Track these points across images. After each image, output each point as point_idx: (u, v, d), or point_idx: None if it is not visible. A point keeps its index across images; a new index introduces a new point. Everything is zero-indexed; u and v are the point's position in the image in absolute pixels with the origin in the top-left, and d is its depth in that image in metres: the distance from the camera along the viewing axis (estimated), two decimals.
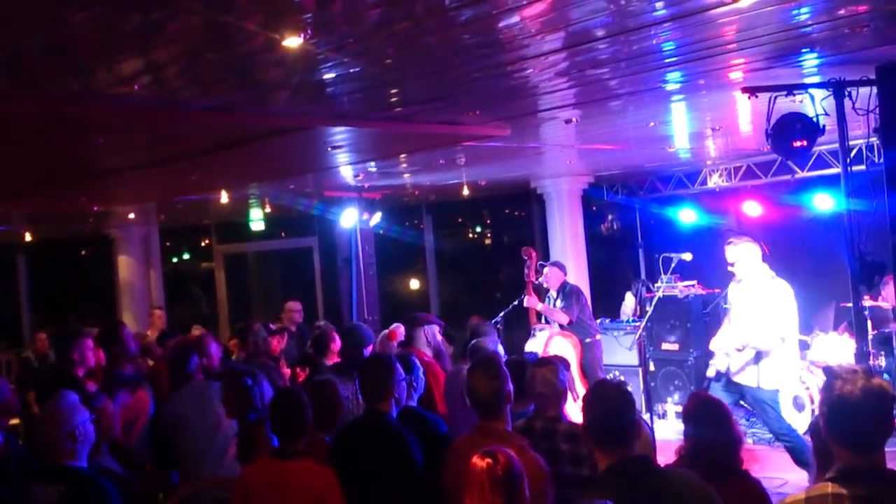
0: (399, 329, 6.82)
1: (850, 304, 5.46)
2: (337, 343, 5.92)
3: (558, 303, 8.18)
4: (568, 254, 10.59)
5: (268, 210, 11.97)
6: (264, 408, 4.31)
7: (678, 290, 9.19)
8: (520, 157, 8.69)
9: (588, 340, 7.94)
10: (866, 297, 6.97)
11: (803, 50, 4.79)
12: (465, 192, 10.76)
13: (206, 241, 14.80)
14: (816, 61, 5.07)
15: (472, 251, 15.40)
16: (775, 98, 5.20)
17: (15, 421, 6.16)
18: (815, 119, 5.21)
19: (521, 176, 10.83)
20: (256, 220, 12.29)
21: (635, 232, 12.25)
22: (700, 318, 9.06)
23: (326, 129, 6.08)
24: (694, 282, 9.23)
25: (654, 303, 8.31)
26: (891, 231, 4.96)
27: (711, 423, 3.44)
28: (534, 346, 7.69)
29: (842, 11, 4.03)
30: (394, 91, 5.16)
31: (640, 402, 9.03)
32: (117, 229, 12.33)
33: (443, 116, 6.08)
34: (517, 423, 3.94)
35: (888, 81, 4.92)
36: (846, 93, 5.02)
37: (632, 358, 9.28)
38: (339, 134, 6.36)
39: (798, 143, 5.20)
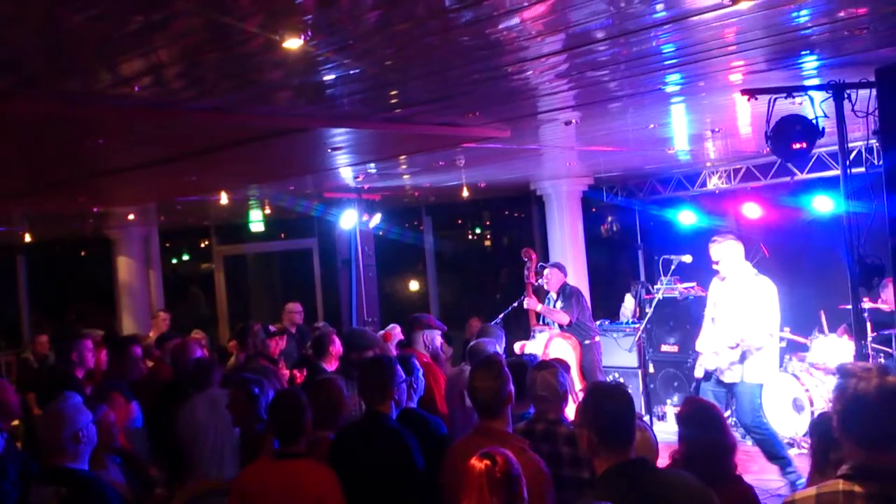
0: (395, 330, 6.83)
1: (850, 307, 5.46)
2: (336, 345, 5.91)
3: (558, 304, 8.18)
4: (567, 255, 10.60)
5: (267, 211, 11.97)
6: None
7: (678, 292, 9.19)
8: (519, 158, 8.69)
9: (587, 342, 7.94)
10: (866, 300, 6.97)
11: (803, 52, 4.79)
12: (465, 193, 10.75)
13: (206, 243, 14.80)
14: (816, 63, 5.07)
15: (471, 253, 15.41)
16: (775, 100, 5.21)
17: (15, 423, 6.15)
18: (814, 121, 5.22)
19: (521, 177, 10.83)
20: (256, 221, 12.29)
21: (635, 234, 12.25)
22: (699, 320, 9.02)
23: (326, 130, 6.09)
24: (693, 283, 9.23)
25: (653, 304, 8.33)
26: (890, 233, 4.96)
27: (705, 427, 3.44)
28: (533, 347, 7.69)
29: (841, 14, 4.03)
30: (394, 92, 5.17)
31: (640, 403, 9.05)
32: (117, 230, 12.32)
33: (443, 118, 6.08)
34: (518, 426, 3.95)
35: (887, 84, 4.91)
36: (845, 95, 5.03)
37: (631, 360, 9.29)
38: (339, 135, 6.37)
39: (797, 146, 5.21)
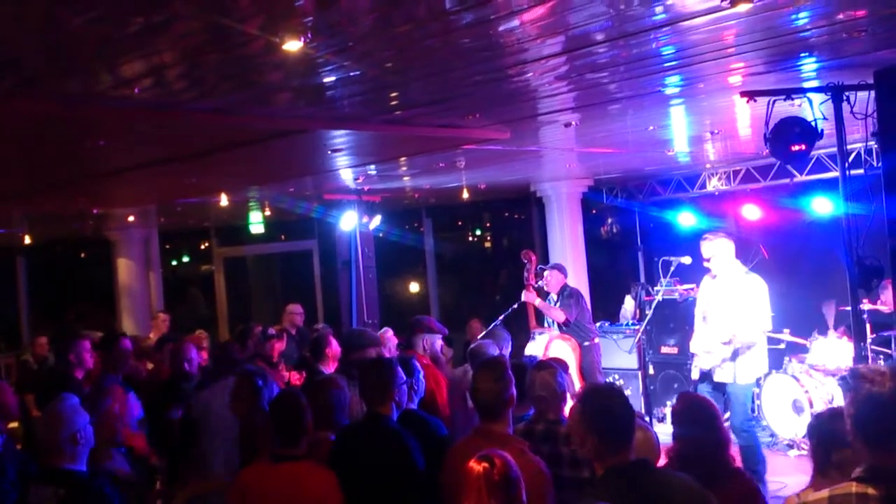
0: (387, 333, 6.81)
1: (849, 308, 5.47)
2: (333, 347, 5.89)
3: (558, 305, 8.18)
4: (567, 257, 10.60)
5: (267, 213, 11.98)
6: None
7: (677, 294, 9.19)
8: (519, 160, 8.70)
9: (587, 343, 7.94)
10: (865, 301, 6.98)
11: (802, 54, 4.80)
12: (465, 195, 10.75)
13: (206, 244, 14.80)
14: (815, 66, 5.08)
15: (471, 254, 15.41)
16: (774, 102, 5.22)
17: (14, 424, 6.15)
18: (813, 123, 5.23)
19: (521, 179, 10.84)
20: (256, 222, 12.29)
21: (635, 235, 12.26)
22: None
23: (326, 131, 6.09)
24: (693, 285, 9.21)
25: (653, 306, 8.33)
26: (889, 235, 4.97)
27: (697, 423, 3.45)
28: (533, 349, 7.69)
29: (840, 16, 4.04)
30: (394, 94, 5.18)
31: (640, 405, 9.05)
32: (117, 232, 12.32)
33: (443, 120, 6.09)
34: (518, 427, 3.95)
35: (886, 85, 4.93)
36: (844, 97, 5.04)
37: (631, 361, 9.29)
38: (340, 137, 6.37)
39: (796, 147, 5.21)
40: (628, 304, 10.43)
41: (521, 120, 6.28)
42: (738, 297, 6.34)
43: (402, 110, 5.65)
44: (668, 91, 5.64)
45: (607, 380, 8.90)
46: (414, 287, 14.90)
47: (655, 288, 9.18)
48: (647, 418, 8.78)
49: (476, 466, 2.93)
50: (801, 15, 3.98)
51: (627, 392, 9.01)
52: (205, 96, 4.79)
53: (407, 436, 3.94)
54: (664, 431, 8.81)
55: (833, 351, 7.89)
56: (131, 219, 11.25)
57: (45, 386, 6.81)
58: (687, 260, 8.01)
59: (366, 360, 5.44)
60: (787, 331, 8.46)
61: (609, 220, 12.15)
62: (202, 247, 15.12)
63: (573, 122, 6.55)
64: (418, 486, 3.83)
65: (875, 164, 7.05)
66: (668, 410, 9.22)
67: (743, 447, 6.23)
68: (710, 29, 4.08)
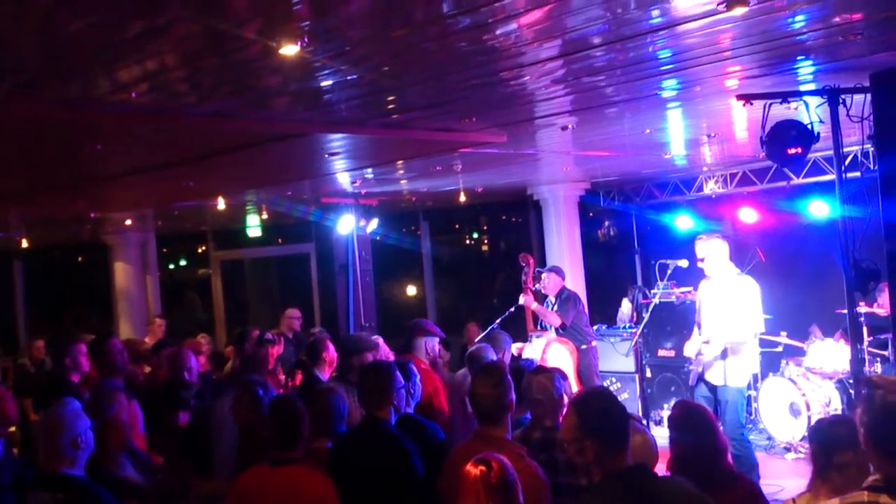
0: (378, 341, 6.80)
1: (846, 311, 5.47)
2: (330, 352, 5.88)
3: (555, 308, 8.18)
4: (564, 260, 10.61)
5: (265, 216, 11.97)
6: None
7: (674, 297, 9.21)
8: (516, 163, 8.71)
9: (584, 347, 7.95)
10: (862, 304, 6.99)
11: (798, 58, 4.81)
12: (462, 198, 10.76)
13: (203, 248, 14.79)
14: (811, 69, 5.09)
15: (468, 257, 15.42)
16: (770, 105, 5.23)
17: (12, 428, 6.14)
18: (809, 126, 5.24)
19: (518, 182, 10.85)
20: (253, 226, 12.29)
21: (632, 238, 12.27)
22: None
23: (323, 135, 6.10)
24: (690, 288, 9.23)
25: (650, 309, 8.34)
26: (885, 238, 4.98)
27: (694, 429, 3.45)
28: (531, 352, 7.69)
29: (836, 19, 4.05)
30: (391, 98, 5.18)
31: (637, 408, 9.05)
32: (114, 235, 12.31)
33: (440, 123, 6.09)
34: (514, 433, 3.95)
35: (882, 88, 4.94)
36: (840, 100, 5.05)
37: (628, 364, 9.30)
38: (337, 140, 6.37)
39: (793, 151, 5.22)
40: (625, 307, 10.44)
41: (518, 123, 6.28)
42: (729, 298, 6.39)
43: (399, 114, 5.66)
44: (665, 94, 5.65)
45: (604, 383, 8.91)
46: (411, 290, 14.90)
47: (652, 291, 9.19)
48: (643, 421, 8.78)
49: (473, 470, 2.93)
50: (798, 18, 3.99)
51: (625, 395, 9.02)
52: (202, 100, 4.79)
53: (406, 440, 3.94)
54: (662, 434, 8.81)
55: (830, 354, 7.90)
56: (128, 222, 11.25)
57: (42, 390, 6.80)
58: (684, 263, 8.03)
59: (364, 364, 5.45)
60: (784, 334, 8.48)
61: (606, 223, 12.18)
62: (199, 250, 15.11)
63: (570, 126, 6.56)
64: (417, 491, 3.83)
65: (871, 166, 7.07)
66: (665, 413, 9.22)
67: (734, 456, 6.24)
68: (707, 32, 4.09)
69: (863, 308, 7.14)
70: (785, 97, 5.18)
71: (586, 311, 8.60)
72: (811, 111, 5.25)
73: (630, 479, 2.76)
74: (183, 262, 16.16)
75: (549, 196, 11.24)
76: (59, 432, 3.51)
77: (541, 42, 4.07)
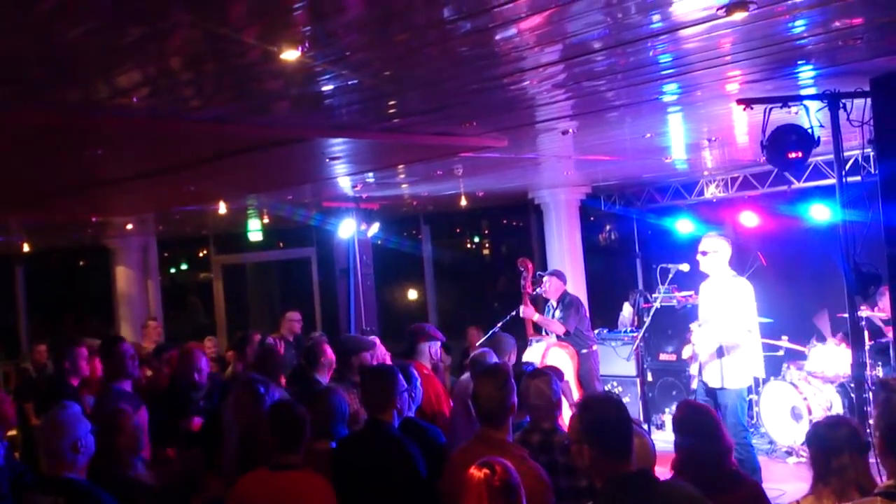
0: (375, 340, 6.80)
1: (847, 315, 5.47)
2: (328, 355, 5.87)
3: (557, 313, 8.17)
4: (566, 264, 10.61)
5: (266, 220, 11.98)
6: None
7: (675, 301, 9.21)
8: (517, 167, 8.71)
9: (585, 351, 7.95)
10: (863, 308, 6.99)
11: (798, 62, 4.82)
12: (463, 202, 10.78)
13: (204, 252, 14.81)
14: (812, 73, 5.10)
15: (469, 261, 15.42)
16: (770, 110, 5.23)
17: (12, 432, 6.14)
18: (810, 130, 5.24)
19: (519, 186, 10.85)
20: (254, 230, 12.30)
21: (633, 242, 12.27)
22: None
23: (325, 140, 6.10)
24: (691, 292, 9.24)
25: (651, 313, 8.33)
26: (886, 242, 4.98)
27: (698, 431, 3.44)
28: (531, 356, 7.69)
29: (836, 24, 4.06)
30: (392, 102, 5.19)
31: (638, 412, 9.04)
32: (115, 240, 12.33)
33: (441, 128, 6.10)
34: (514, 436, 3.95)
35: (883, 93, 4.94)
36: (841, 104, 5.05)
37: (629, 368, 9.29)
38: (338, 145, 6.38)
39: (793, 155, 5.22)
40: (626, 311, 10.44)
41: (519, 128, 6.29)
42: (723, 299, 6.41)
43: (400, 118, 5.66)
44: (666, 99, 5.66)
45: (605, 387, 8.91)
46: (412, 294, 14.91)
47: (654, 295, 9.18)
48: (644, 425, 8.78)
49: (477, 473, 2.93)
50: (798, 23, 4.00)
51: (626, 399, 9.01)
52: (203, 105, 4.80)
53: (409, 443, 3.93)
54: (663, 438, 8.81)
55: (831, 358, 7.90)
56: (130, 227, 11.25)
57: (44, 394, 6.81)
58: (685, 267, 8.03)
59: (364, 365, 5.46)
60: (785, 338, 8.47)
61: (607, 228, 12.18)
62: (200, 254, 15.14)
63: (571, 130, 6.57)
64: (419, 493, 3.82)
65: (872, 171, 7.07)
66: (666, 417, 9.22)
67: (737, 460, 6.24)
68: (707, 37, 4.10)
69: (864, 312, 7.14)
70: (785, 101, 5.19)
71: (588, 315, 8.60)
72: (812, 115, 5.26)
73: (633, 484, 2.75)
74: (184, 266, 16.19)
75: (550, 200, 11.25)
76: (59, 436, 3.51)
77: (541, 47, 4.08)
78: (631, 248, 12.30)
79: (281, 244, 14.57)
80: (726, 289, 6.46)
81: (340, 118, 5.51)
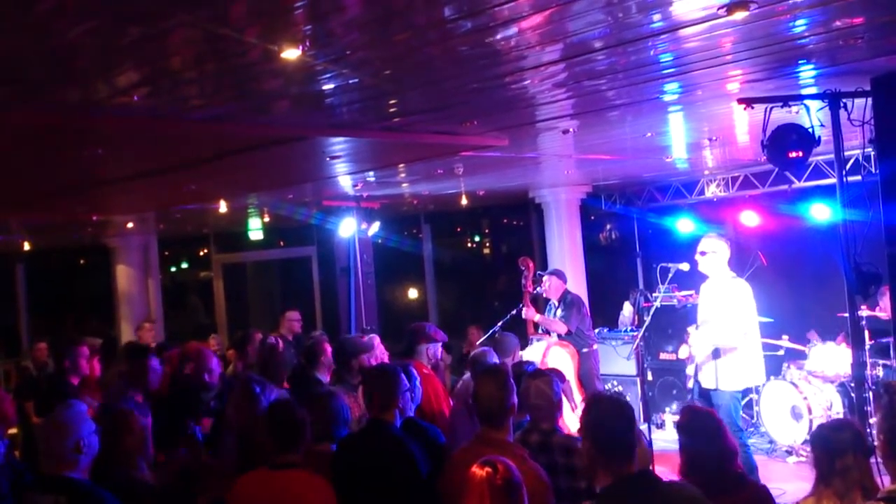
0: (374, 340, 6.81)
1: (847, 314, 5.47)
2: (328, 355, 5.88)
3: (558, 312, 8.17)
4: (566, 263, 10.61)
5: (266, 219, 11.99)
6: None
7: (676, 300, 9.21)
8: (518, 167, 8.71)
9: (585, 350, 7.95)
10: (864, 307, 6.99)
11: (799, 61, 4.82)
12: (464, 201, 10.77)
13: (205, 251, 14.82)
14: (812, 72, 5.10)
15: (470, 260, 15.42)
16: (771, 109, 5.23)
17: (13, 431, 6.14)
18: (810, 130, 5.24)
19: (520, 186, 10.85)
20: (255, 229, 12.31)
21: (633, 241, 12.27)
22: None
23: (325, 139, 6.10)
24: (692, 292, 9.23)
25: (651, 312, 8.32)
26: (886, 241, 4.97)
27: (702, 434, 3.44)
28: (531, 355, 7.69)
29: (837, 23, 4.05)
30: (392, 101, 5.19)
31: (638, 411, 9.04)
32: (116, 239, 12.33)
33: (441, 127, 6.10)
34: (514, 436, 3.94)
35: (883, 92, 4.93)
36: (842, 104, 5.05)
37: (630, 367, 9.29)
38: (338, 144, 6.38)
39: (794, 154, 5.22)
40: (627, 310, 10.44)
41: (520, 127, 6.29)
42: (721, 301, 6.41)
43: (401, 117, 5.66)
44: (667, 98, 5.66)
45: (606, 386, 8.91)
46: (412, 293, 14.91)
47: (654, 294, 9.18)
48: (644, 425, 8.78)
49: (479, 472, 2.93)
50: (799, 22, 4.00)
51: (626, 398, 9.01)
52: (203, 105, 4.80)
53: (410, 443, 3.93)
54: (663, 438, 8.82)
55: (831, 358, 7.90)
56: (130, 226, 11.26)
57: (44, 393, 6.81)
58: (685, 266, 8.02)
59: (364, 367, 5.46)
60: (785, 337, 8.48)
61: (608, 227, 12.17)
62: (201, 253, 15.14)
63: (571, 129, 6.57)
64: (420, 494, 3.82)
65: (873, 170, 7.06)
66: (666, 417, 9.23)
67: None
68: (708, 36, 4.09)
69: (864, 312, 7.14)
70: (786, 101, 5.19)
71: (588, 314, 8.60)
72: (812, 115, 5.25)
73: (635, 485, 2.74)
74: (185, 265, 16.19)
75: (550, 199, 11.25)
76: (62, 435, 3.50)
77: (542, 46, 4.08)
78: (631, 247, 12.30)
79: (281, 243, 14.57)
80: (724, 290, 6.47)
81: (341, 117, 5.51)
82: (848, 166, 5.84)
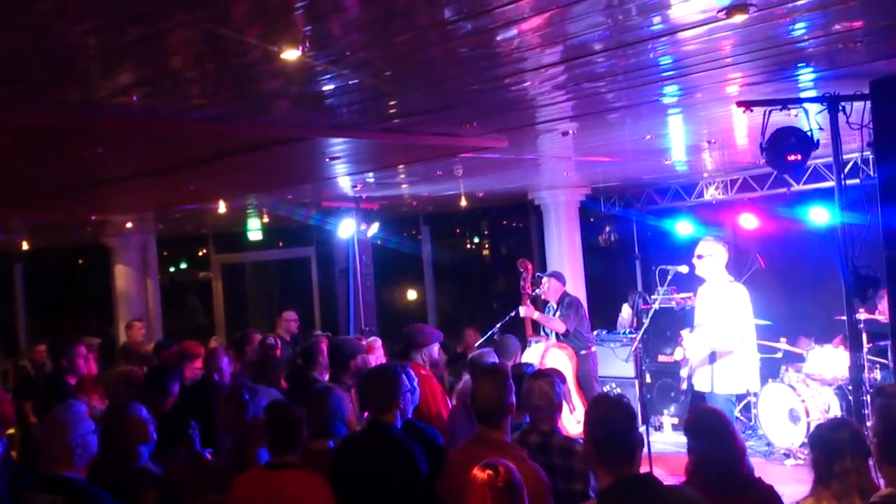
0: (377, 343, 6.80)
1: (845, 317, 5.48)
2: (325, 355, 5.87)
3: (557, 314, 8.17)
4: (565, 265, 10.62)
5: (265, 220, 11.99)
6: (254, 425, 4.28)
7: (674, 303, 9.22)
8: (517, 168, 8.72)
9: (584, 352, 7.95)
10: (862, 311, 7.00)
11: (798, 65, 4.83)
12: (463, 203, 10.78)
13: (204, 251, 14.81)
14: (811, 76, 5.11)
15: (469, 262, 15.43)
16: (770, 112, 5.24)
17: (11, 431, 6.13)
18: (809, 133, 5.25)
19: (519, 187, 10.86)
20: (254, 229, 12.31)
21: (632, 244, 12.27)
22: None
23: (325, 139, 6.11)
24: (690, 294, 9.21)
25: (650, 315, 8.33)
26: (884, 244, 4.99)
27: (711, 434, 3.42)
28: (530, 356, 7.69)
29: (837, 27, 4.07)
30: (392, 102, 5.19)
31: (637, 413, 9.05)
32: (114, 238, 12.33)
33: (441, 128, 6.11)
34: (512, 437, 3.94)
35: (882, 96, 4.95)
36: (840, 107, 5.06)
37: (628, 370, 9.29)
38: (338, 145, 6.39)
39: (792, 157, 5.23)
40: (625, 312, 10.44)
41: (520, 128, 6.30)
42: (718, 305, 6.42)
43: (401, 118, 5.67)
44: (666, 101, 5.67)
45: (604, 388, 8.91)
46: (411, 294, 14.92)
47: (653, 296, 9.18)
48: (642, 427, 8.78)
49: (480, 474, 2.93)
50: (798, 26, 4.00)
51: None
52: (203, 105, 4.80)
53: (411, 443, 3.92)
54: (661, 440, 8.82)
55: (829, 360, 7.90)
56: (129, 225, 11.26)
57: (42, 393, 6.81)
58: (684, 269, 8.03)
59: (360, 368, 5.45)
60: (783, 340, 8.48)
61: (607, 229, 12.18)
62: (200, 253, 15.14)
63: (571, 131, 6.58)
64: (420, 494, 3.82)
65: (871, 173, 7.07)
66: (664, 419, 9.23)
67: None
68: (707, 39, 4.10)
69: (862, 315, 7.14)
70: (785, 104, 5.20)
71: (587, 316, 8.61)
72: (811, 118, 5.27)
73: (635, 488, 2.73)
74: (183, 266, 16.19)
75: (549, 201, 11.26)
76: (60, 435, 3.50)
77: (542, 48, 4.09)
78: (630, 249, 12.31)
79: (280, 244, 14.57)
80: (721, 294, 6.47)
81: (341, 118, 5.51)
82: (846, 170, 5.85)
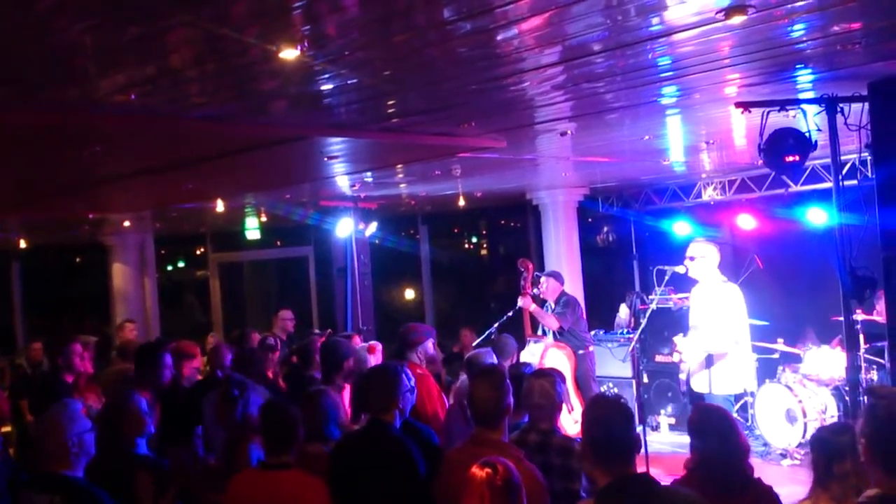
0: (377, 346, 6.80)
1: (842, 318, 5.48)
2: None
3: (554, 313, 8.18)
4: (563, 265, 10.62)
5: (263, 219, 11.98)
6: (245, 422, 4.28)
7: (672, 303, 9.22)
8: (516, 168, 8.72)
9: (581, 352, 7.96)
10: (859, 311, 7.01)
11: (797, 66, 4.83)
12: (461, 202, 10.78)
13: (201, 250, 14.79)
14: (810, 77, 5.11)
15: (467, 262, 15.43)
16: (768, 113, 5.25)
17: (7, 429, 6.13)
18: (807, 134, 5.26)
19: (517, 187, 10.86)
20: (252, 228, 12.30)
21: (630, 244, 12.29)
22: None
23: (323, 139, 6.11)
24: (688, 294, 9.20)
25: (647, 315, 8.34)
26: (882, 245, 5.00)
27: (713, 432, 3.42)
28: (529, 356, 7.69)
29: (835, 28, 4.07)
30: (391, 102, 5.19)
31: (634, 413, 9.05)
32: (112, 237, 12.31)
33: (439, 128, 6.11)
34: (511, 436, 3.95)
35: (880, 98, 4.96)
36: (838, 108, 5.07)
37: (625, 370, 9.30)
38: (336, 144, 6.39)
39: (790, 158, 5.24)
40: (623, 312, 10.45)
41: (518, 128, 6.30)
42: (712, 306, 6.43)
43: (399, 118, 5.67)
44: (664, 101, 5.67)
45: (601, 388, 8.92)
46: (409, 294, 14.91)
47: (650, 296, 9.19)
48: (639, 427, 8.79)
49: (479, 472, 2.93)
50: (796, 27, 4.01)
51: None
52: (202, 104, 4.80)
53: (410, 443, 3.92)
54: (658, 440, 8.82)
55: (826, 361, 7.91)
56: (127, 224, 11.25)
57: (38, 391, 6.80)
58: (681, 269, 8.04)
59: (352, 370, 5.44)
60: (780, 340, 8.48)
61: (605, 229, 12.19)
62: (198, 252, 15.12)
63: (569, 132, 6.58)
64: (420, 494, 3.81)
65: (869, 174, 7.08)
66: (661, 419, 9.24)
67: None
68: (706, 40, 4.11)
69: (860, 315, 7.16)
70: (783, 105, 5.20)
71: (585, 316, 8.61)
72: (809, 119, 5.28)
73: (632, 488, 2.73)
74: (181, 264, 16.17)
75: (548, 201, 11.26)
76: (58, 433, 3.49)
77: (541, 48, 4.09)
78: (628, 249, 12.32)
79: (278, 243, 14.56)
80: (715, 295, 6.48)
81: (339, 117, 5.51)
82: (844, 171, 5.87)
